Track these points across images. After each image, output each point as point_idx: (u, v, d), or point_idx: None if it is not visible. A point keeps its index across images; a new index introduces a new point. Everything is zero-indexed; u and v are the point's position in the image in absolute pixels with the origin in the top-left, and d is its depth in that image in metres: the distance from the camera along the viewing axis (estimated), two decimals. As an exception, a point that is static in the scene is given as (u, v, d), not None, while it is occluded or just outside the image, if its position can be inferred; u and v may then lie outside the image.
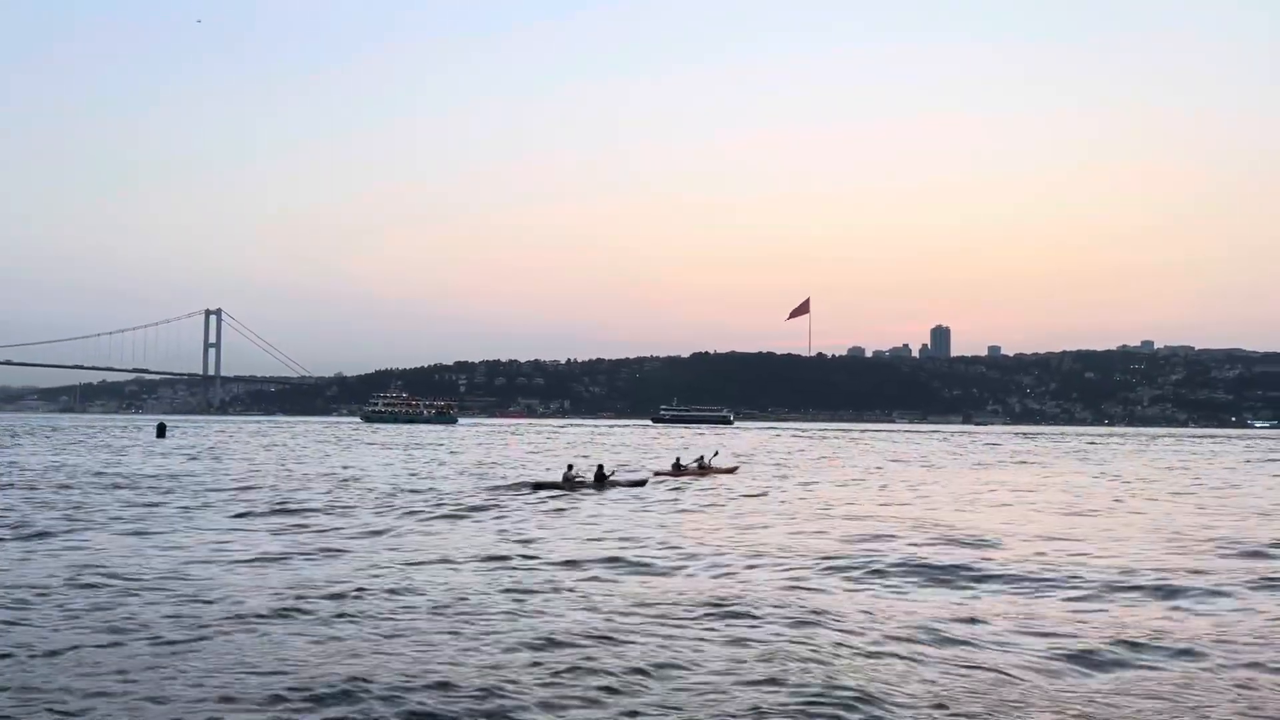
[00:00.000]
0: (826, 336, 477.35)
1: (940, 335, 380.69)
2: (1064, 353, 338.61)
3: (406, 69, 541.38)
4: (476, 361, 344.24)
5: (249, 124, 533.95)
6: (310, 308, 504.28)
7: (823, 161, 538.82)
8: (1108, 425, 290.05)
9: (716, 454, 46.81)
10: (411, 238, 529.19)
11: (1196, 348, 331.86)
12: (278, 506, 25.58)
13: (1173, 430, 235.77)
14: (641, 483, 34.95)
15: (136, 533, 19.70)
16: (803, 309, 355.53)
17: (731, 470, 43.80)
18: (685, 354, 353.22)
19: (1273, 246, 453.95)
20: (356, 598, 12.88)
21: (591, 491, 31.74)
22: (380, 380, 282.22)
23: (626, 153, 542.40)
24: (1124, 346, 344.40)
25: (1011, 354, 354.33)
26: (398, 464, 48.42)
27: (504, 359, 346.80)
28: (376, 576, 14.60)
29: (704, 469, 41.03)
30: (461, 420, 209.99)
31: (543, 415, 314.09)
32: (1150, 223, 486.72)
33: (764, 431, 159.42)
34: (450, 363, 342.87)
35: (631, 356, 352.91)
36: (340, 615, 11.79)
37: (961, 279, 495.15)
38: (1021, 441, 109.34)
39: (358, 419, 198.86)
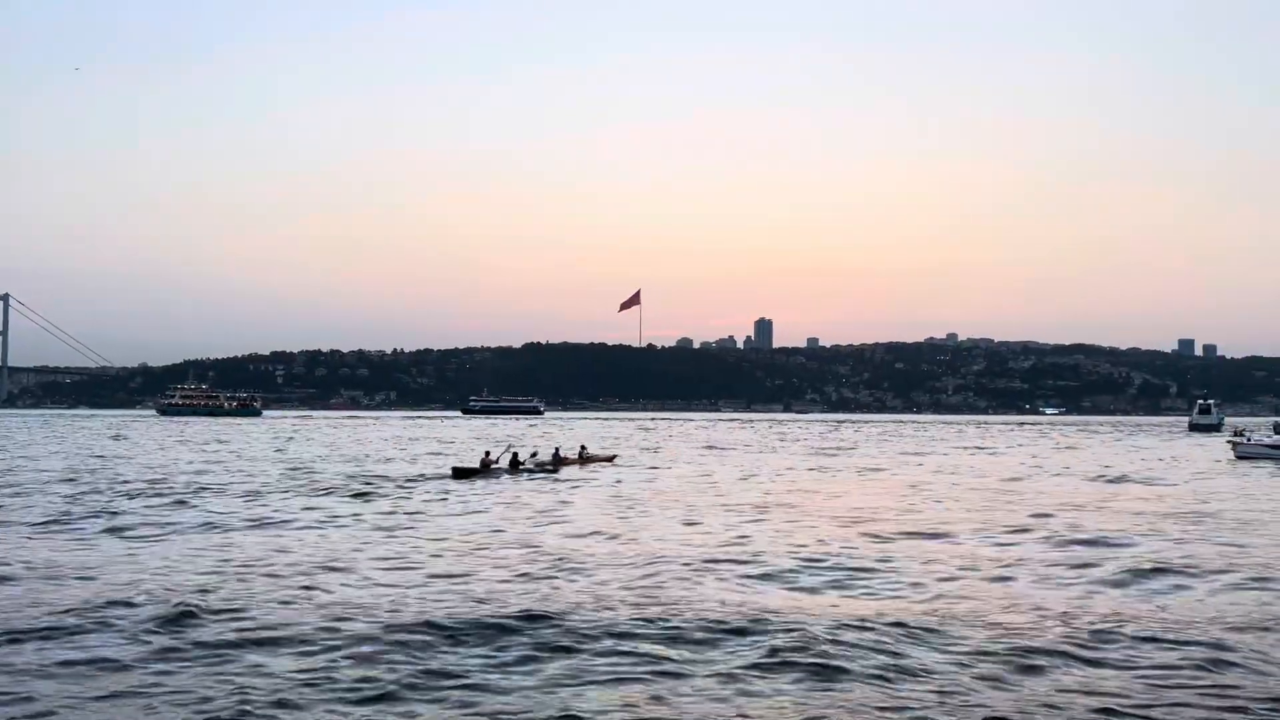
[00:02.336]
0: (657, 327, 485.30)
1: (763, 327, 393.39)
2: (876, 344, 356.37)
3: (244, 65, 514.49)
4: (295, 351, 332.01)
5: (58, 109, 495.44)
6: (116, 295, 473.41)
7: (655, 155, 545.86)
8: (916, 413, 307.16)
9: (584, 447, 49.43)
10: (227, 223, 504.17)
11: (995, 340, 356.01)
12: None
13: (974, 416, 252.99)
14: (555, 469, 37.84)
15: None
16: (633, 301, 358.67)
17: (610, 459, 46.52)
18: (517, 344, 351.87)
19: (1064, 250, 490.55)
20: None
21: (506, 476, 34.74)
22: (187, 371, 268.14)
23: (458, 144, 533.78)
24: (931, 339, 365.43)
25: (829, 345, 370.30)
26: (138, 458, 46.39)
27: (325, 349, 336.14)
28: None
29: (584, 459, 43.20)
30: (271, 413, 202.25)
31: (367, 407, 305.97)
32: (958, 224, 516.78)
33: (575, 421, 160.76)
34: (267, 352, 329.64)
35: (461, 347, 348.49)
36: None
37: (784, 273, 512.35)
38: (813, 428, 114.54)
39: (154, 412, 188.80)
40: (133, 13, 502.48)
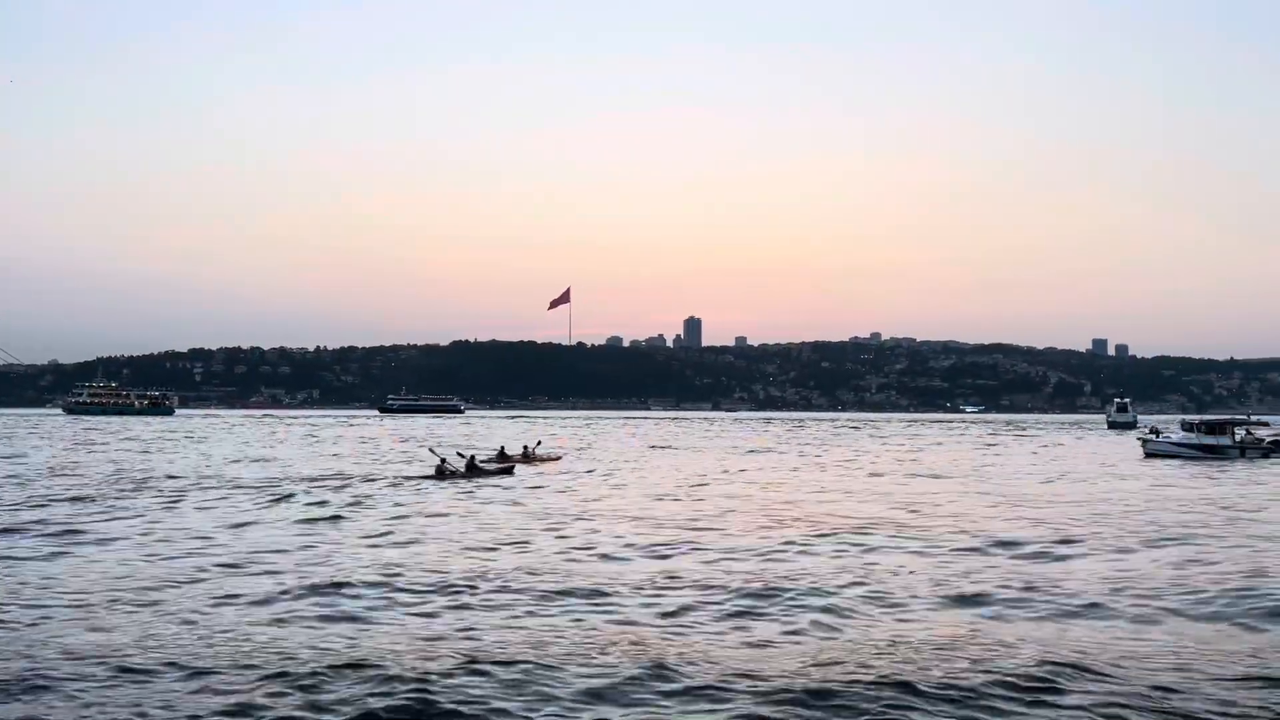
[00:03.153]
0: (587, 326, 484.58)
1: (693, 326, 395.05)
2: (803, 343, 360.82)
3: (168, 59, 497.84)
4: (214, 348, 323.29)
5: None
6: (25, 290, 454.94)
7: (587, 154, 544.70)
8: (840, 410, 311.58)
9: (540, 443, 49.43)
10: (146, 218, 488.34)
11: (918, 340, 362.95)
12: None
13: (895, 414, 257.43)
14: (510, 470, 38.64)
15: None
16: (563, 299, 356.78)
17: (556, 458, 46.77)
18: (444, 342, 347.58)
19: (985, 252, 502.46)
20: None
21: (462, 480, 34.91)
22: (98, 368, 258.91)
23: (386, 140, 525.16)
24: (855, 338, 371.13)
25: (757, 344, 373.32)
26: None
27: (245, 346, 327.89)
28: None
29: (529, 458, 43.36)
30: (185, 412, 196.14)
31: (289, 406, 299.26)
32: (883, 226, 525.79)
33: (496, 420, 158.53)
34: (185, 350, 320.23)
35: (387, 344, 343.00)
36: None
37: (713, 272, 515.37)
38: (734, 427, 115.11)
39: (60, 411, 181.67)
40: (58, 2, 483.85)
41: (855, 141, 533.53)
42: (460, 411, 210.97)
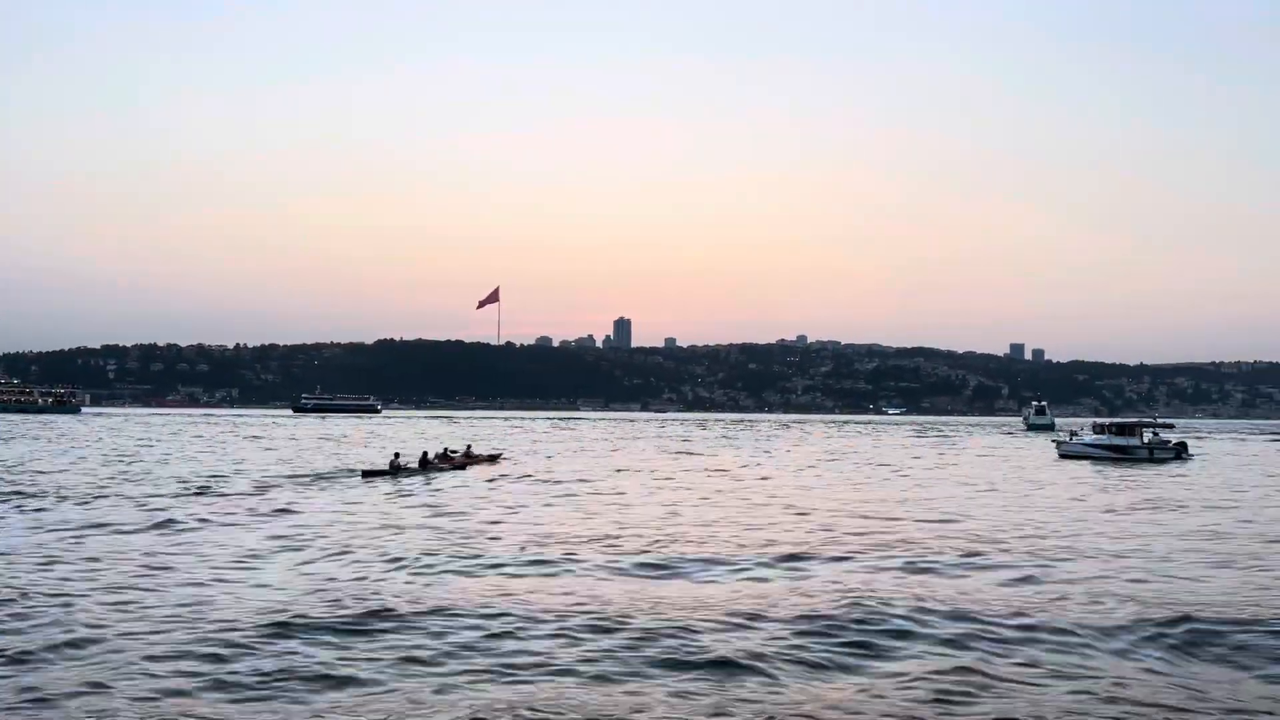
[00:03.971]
0: (515, 326, 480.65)
1: (622, 326, 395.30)
2: (731, 345, 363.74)
3: (94, 55, 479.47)
4: (129, 345, 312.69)
5: None
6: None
7: (517, 155, 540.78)
8: (767, 412, 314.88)
9: (470, 445, 49.97)
10: (59, 212, 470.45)
11: (842, 342, 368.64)
12: None
13: (821, 416, 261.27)
14: (463, 466, 40.35)
15: None
16: (492, 298, 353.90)
17: (493, 458, 46.90)
18: (369, 340, 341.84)
19: (908, 257, 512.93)
20: None
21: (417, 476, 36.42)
22: (8, 365, 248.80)
23: (315, 140, 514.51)
24: (782, 340, 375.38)
25: (686, 346, 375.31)
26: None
27: (161, 342, 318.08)
28: None
29: (470, 458, 43.80)
30: (94, 410, 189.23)
31: (207, 404, 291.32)
32: (811, 230, 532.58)
33: (414, 419, 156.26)
34: (97, 346, 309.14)
35: (309, 342, 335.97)
36: None
37: (643, 273, 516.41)
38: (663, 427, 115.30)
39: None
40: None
41: (787, 149, 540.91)
42: (377, 411, 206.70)
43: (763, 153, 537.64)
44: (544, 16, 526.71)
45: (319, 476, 36.93)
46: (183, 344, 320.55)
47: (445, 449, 45.05)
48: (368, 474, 37.18)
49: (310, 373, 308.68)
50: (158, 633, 11.94)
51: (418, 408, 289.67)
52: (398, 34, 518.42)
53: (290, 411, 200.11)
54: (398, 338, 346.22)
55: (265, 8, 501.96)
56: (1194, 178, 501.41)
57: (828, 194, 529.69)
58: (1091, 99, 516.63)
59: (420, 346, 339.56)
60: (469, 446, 47.08)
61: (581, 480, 37.29)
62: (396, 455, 39.42)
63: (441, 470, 39.69)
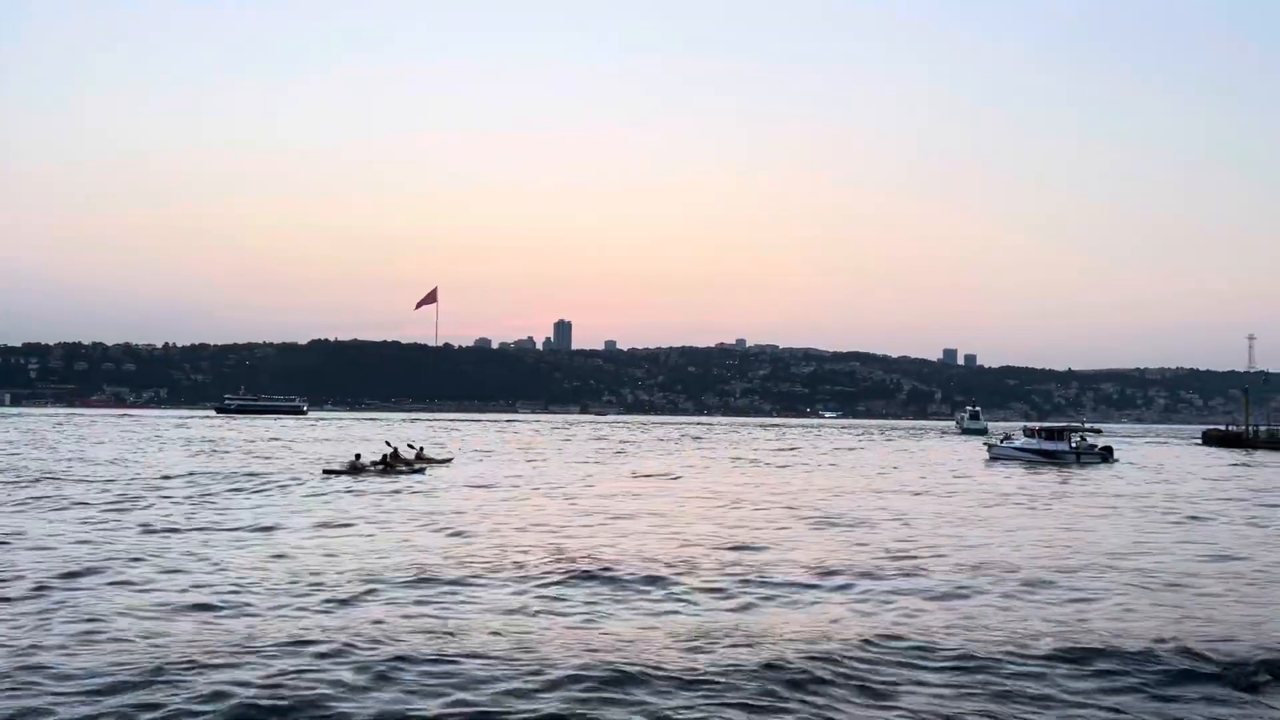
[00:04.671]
0: (454, 327, 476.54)
1: (562, 329, 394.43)
2: (671, 348, 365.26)
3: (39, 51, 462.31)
4: (51, 343, 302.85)
5: None
6: None
7: (457, 154, 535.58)
8: (706, 415, 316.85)
9: (421, 448, 48.26)
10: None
11: (780, 346, 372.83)
12: None
13: (759, 419, 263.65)
14: (421, 469, 40.32)
15: None
16: (430, 298, 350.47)
17: (446, 461, 46.49)
18: (303, 341, 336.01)
19: (844, 262, 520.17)
20: None
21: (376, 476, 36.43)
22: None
23: (251, 137, 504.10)
24: (721, 344, 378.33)
25: (626, 348, 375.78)
26: None
27: (86, 341, 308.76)
28: None
29: (420, 460, 43.06)
30: (12, 410, 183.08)
31: (134, 404, 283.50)
32: (749, 235, 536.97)
33: (341, 421, 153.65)
34: (18, 344, 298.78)
35: (241, 342, 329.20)
36: None
37: (584, 275, 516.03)
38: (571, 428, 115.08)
39: None
40: None
41: (730, 155, 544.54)
42: (303, 412, 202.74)
43: (705, 158, 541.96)
44: (487, 16, 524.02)
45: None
46: (109, 343, 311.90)
47: (391, 450, 44.29)
48: (328, 472, 37.87)
49: (243, 373, 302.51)
50: None
51: (353, 409, 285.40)
52: (336, 33, 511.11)
53: (214, 412, 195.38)
54: (333, 338, 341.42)
55: (202, 5, 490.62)
56: (1123, 192, 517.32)
57: (768, 199, 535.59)
58: (1031, 110, 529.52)
59: (356, 347, 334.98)
60: (420, 449, 45.96)
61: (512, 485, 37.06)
62: (358, 456, 39.76)
63: (402, 471, 39.26)
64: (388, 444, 43.96)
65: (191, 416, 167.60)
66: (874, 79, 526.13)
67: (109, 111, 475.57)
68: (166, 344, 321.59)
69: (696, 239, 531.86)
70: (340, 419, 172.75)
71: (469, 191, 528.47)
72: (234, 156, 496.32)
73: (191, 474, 37.58)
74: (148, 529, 21.56)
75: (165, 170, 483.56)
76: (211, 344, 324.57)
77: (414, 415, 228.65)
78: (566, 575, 16.19)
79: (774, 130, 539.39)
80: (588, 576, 16.14)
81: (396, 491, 31.83)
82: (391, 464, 38.76)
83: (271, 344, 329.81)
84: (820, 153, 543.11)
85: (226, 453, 54.90)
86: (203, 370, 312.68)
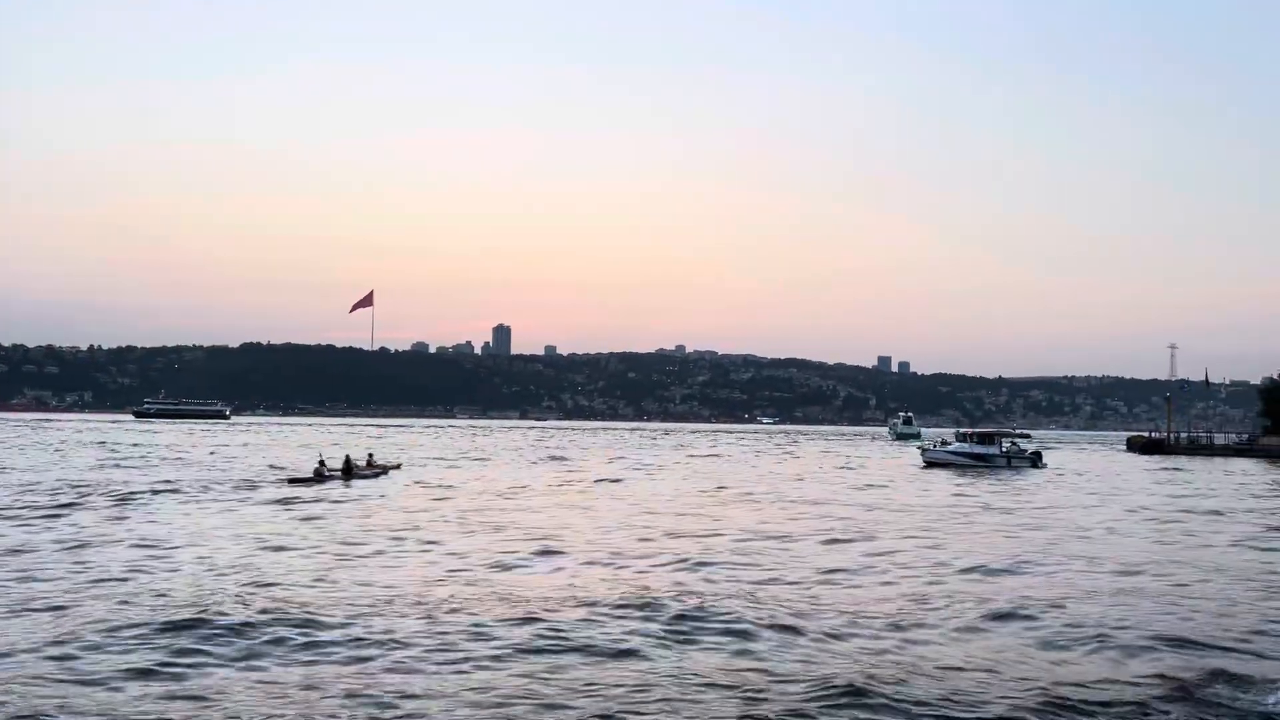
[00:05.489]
0: (390, 330, 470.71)
1: (502, 333, 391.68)
2: (610, 354, 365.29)
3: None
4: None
5: None
6: None
7: (394, 157, 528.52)
8: (645, 420, 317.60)
9: (371, 454, 47.72)
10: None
11: (719, 353, 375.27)
12: None
13: (698, 425, 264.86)
14: (384, 472, 41.44)
15: None
16: (366, 302, 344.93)
17: (396, 466, 46.95)
18: (234, 344, 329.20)
19: (782, 270, 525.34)
20: None
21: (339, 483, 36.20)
22: None
23: (178, 135, 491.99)
24: (661, 350, 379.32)
25: (566, 354, 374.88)
26: None
27: (7, 342, 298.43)
28: None
29: (371, 466, 42.75)
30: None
31: (56, 408, 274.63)
32: (690, 240, 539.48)
33: (265, 426, 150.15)
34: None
35: (170, 345, 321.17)
36: None
37: (524, 280, 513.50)
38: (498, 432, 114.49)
39: None
40: None
41: (669, 160, 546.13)
42: (225, 417, 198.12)
43: (645, 163, 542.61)
44: (425, 19, 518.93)
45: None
46: (30, 344, 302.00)
47: (320, 459, 43.53)
48: (293, 480, 37.35)
49: (170, 376, 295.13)
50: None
51: (286, 414, 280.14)
52: (270, 33, 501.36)
53: (133, 417, 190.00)
54: (265, 341, 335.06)
55: (131, 4, 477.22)
56: (1054, 203, 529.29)
57: (708, 206, 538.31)
58: (964, 120, 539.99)
59: (289, 350, 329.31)
60: (370, 455, 45.20)
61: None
62: (321, 462, 39.47)
63: (365, 476, 39.54)
64: (320, 461, 41.96)
65: (109, 421, 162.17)
66: (813, 87, 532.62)
67: (34, 108, 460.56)
68: (92, 346, 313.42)
69: (637, 245, 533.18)
70: (267, 424, 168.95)
71: (407, 193, 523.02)
72: (165, 155, 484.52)
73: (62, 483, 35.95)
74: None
75: (93, 168, 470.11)
76: (139, 346, 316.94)
77: (348, 420, 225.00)
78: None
79: (713, 137, 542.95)
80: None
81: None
82: (351, 471, 39.10)
83: (201, 347, 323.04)
84: (760, 160, 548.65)
85: (123, 462, 51.92)
86: (129, 374, 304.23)
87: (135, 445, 70.70)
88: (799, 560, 19.30)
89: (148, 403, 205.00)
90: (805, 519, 27.64)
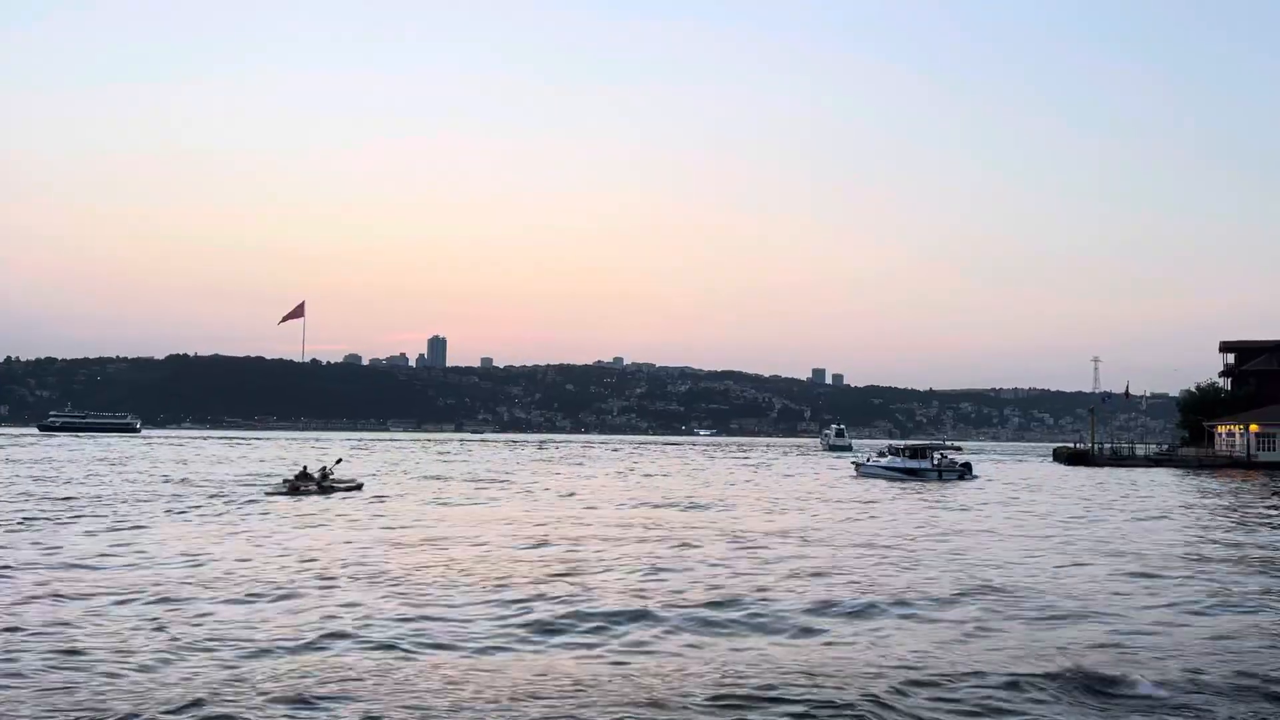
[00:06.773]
0: (322, 342, 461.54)
1: (437, 345, 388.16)
2: (548, 366, 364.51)
3: None
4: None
5: None
6: None
7: (326, 165, 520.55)
8: (583, 433, 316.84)
9: (340, 461, 48.18)
10: None
11: (657, 365, 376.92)
12: None
13: (635, 436, 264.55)
14: (359, 485, 41.25)
15: None
16: (296, 313, 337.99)
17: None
18: (160, 355, 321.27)
19: (719, 283, 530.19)
20: None
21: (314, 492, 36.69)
22: None
23: (101, 138, 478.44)
24: (599, 362, 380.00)
25: (502, 366, 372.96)
26: None
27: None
28: None
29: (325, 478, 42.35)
30: None
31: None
32: (627, 253, 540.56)
33: (178, 440, 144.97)
34: None
35: (93, 356, 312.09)
36: None
37: (460, 291, 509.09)
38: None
39: None
40: None
41: (608, 173, 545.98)
42: (136, 430, 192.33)
43: (583, 175, 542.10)
44: (365, 24, 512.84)
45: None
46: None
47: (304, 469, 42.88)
48: (283, 487, 37.69)
49: (93, 389, 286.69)
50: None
51: (213, 427, 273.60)
52: (195, 43, 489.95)
53: (36, 431, 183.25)
54: (192, 353, 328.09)
55: (62, 6, 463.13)
56: (982, 218, 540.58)
57: (645, 219, 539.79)
58: (896, 135, 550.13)
59: (216, 362, 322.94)
60: (325, 469, 44.34)
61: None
62: (304, 469, 40.04)
63: (336, 488, 39.55)
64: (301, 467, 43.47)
65: (12, 436, 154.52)
66: (747, 100, 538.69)
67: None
68: (9, 358, 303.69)
69: (574, 256, 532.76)
70: (180, 437, 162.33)
71: (339, 202, 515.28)
72: (89, 162, 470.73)
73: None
74: None
75: (12, 171, 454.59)
76: (60, 358, 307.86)
77: (278, 434, 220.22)
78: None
79: (650, 150, 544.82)
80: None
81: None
82: (329, 482, 39.35)
83: (125, 358, 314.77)
84: (695, 174, 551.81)
85: None
86: (49, 386, 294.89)
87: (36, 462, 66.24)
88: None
89: (53, 415, 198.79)
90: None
